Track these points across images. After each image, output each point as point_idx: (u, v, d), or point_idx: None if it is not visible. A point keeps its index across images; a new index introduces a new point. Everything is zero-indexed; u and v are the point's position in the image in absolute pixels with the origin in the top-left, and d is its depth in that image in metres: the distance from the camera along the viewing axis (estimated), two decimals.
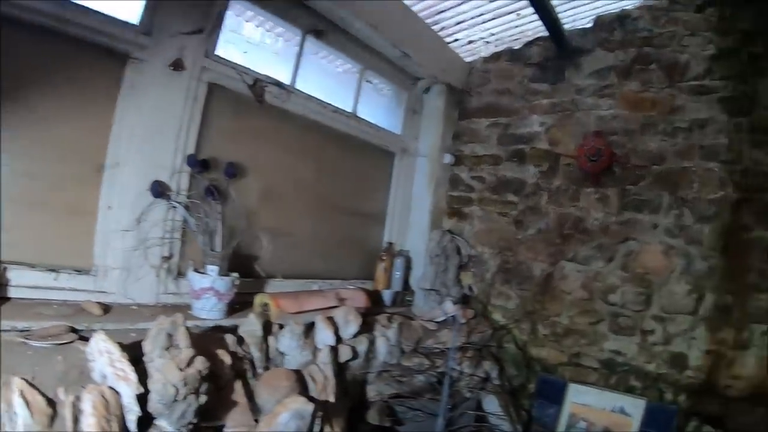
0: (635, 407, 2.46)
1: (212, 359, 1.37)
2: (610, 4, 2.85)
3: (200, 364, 1.25)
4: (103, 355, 1.18)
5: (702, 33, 2.71)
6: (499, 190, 3.04)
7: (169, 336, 1.28)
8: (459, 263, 2.97)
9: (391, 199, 3.01)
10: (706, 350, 2.46)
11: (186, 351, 1.27)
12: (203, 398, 1.24)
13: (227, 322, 1.77)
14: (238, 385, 1.51)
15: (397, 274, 2.88)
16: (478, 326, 2.81)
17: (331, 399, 1.78)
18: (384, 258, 2.83)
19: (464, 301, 2.91)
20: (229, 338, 1.63)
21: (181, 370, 1.20)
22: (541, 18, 2.59)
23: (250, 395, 1.54)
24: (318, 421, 1.56)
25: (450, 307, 2.70)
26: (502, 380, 2.75)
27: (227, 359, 1.50)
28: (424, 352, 2.48)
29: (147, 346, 1.27)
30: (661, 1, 2.80)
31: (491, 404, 2.63)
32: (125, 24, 1.66)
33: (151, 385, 1.18)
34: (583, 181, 2.83)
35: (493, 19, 2.83)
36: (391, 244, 2.95)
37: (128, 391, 1.14)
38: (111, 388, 1.14)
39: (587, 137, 2.81)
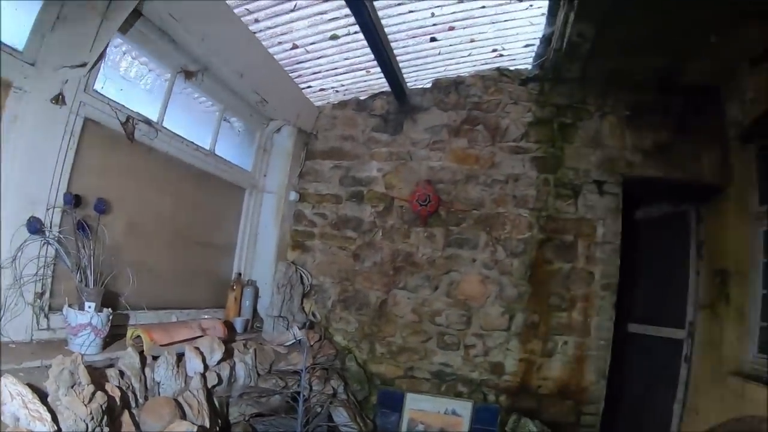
0: (465, 408, 3.85)
1: (104, 393, 1.77)
2: (449, 69, 4.15)
3: (100, 398, 1.60)
4: (15, 397, 1.42)
5: (523, 103, 4.11)
6: (339, 227, 4.25)
7: (71, 374, 1.61)
8: (303, 292, 4.10)
9: (241, 232, 3.99)
10: (519, 358, 3.93)
11: (88, 387, 1.61)
12: (107, 430, 1.59)
13: (103, 356, 2.20)
14: (126, 416, 1.92)
15: (247, 303, 3.85)
16: (323, 348, 3.99)
17: (207, 422, 2.36)
18: (234, 287, 3.74)
19: (309, 326, 3.97)
20: (112, 372, 2.04)
21: (85, 405, 1.52)
22: (386, 76, 3.80)
23: (136, 424, 1.98)
24: None
25: (297, 332, 3.71)
26: (347, 394, 3.93)
27: (117, 392, 1.92)
28: (278, 373, 3.39)
29: (51, 385, 1.58)
30: (492, 73, 4.15)
31: (340, 416, 3.71)
32: (11, 50, 2.01)
33: (62, 423, 1.46)
34: (413, 222, 4.15)
35: (346, 72, 4.02)
36: (240, 274, 3.91)
37: (44, 431, 1.40)
38: (28, 430, 1.41)
39: (419, 184, 4.12)
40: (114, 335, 2.42)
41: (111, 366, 2.16)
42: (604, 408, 3.93)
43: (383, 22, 3.21)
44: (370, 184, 4.24)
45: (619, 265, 3.97)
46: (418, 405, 3.93)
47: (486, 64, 4.15)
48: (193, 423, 2.23)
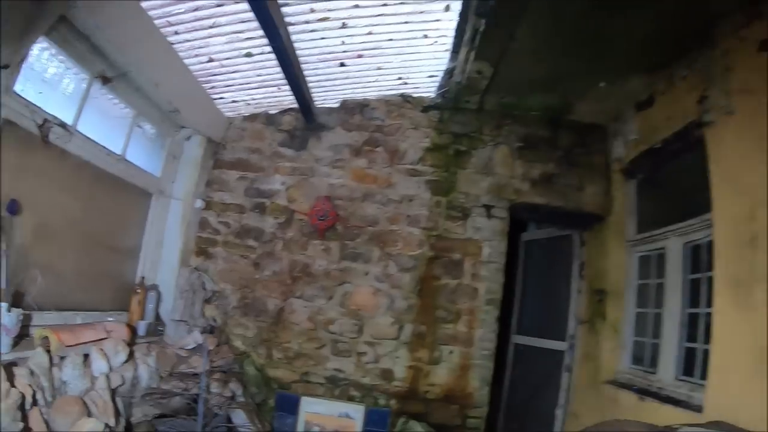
0: (357, 412, 4.52)
1: (18, 390, 2.01)
2: (356, 92, 4.86)
3: (15, 395, 1.81)
4: None
5: (423, 129, 4.86)
6: (241, 236, 4.77)
7: None
8: (205, 297, 4.63)
9: (146, 237, 4.41)
10: (408, 366, 4.68)
11: (3, 384, 1.83)
12: (20, 425, 1.80)
13: (13, 356, 2.38)
14: (35, 414, 2.14)
15: (150, 307, 4.25)
16: (223, 352, 4.48)
17: (111, 421, 2.70)
18: (138, 291, 4.12)
19: (210, 330, 4.50)
20: (22, 370, 2.24)
21: (1, 402, 1.75)
22: (295, 96, 4.41)
23: (45, 422, 2.20)
24: None
25: (198, 336, 4.22)
26: (246, 397, 4.31)
27: (28, 390, 2.14)
28: (180, 376, 3.84)
29: None
30: (396, 99, 4.88)
31: (239, 418, 4.13)
32: None
33: None
34: (312, 235, 4.82)
35: (258, 87, 4.60)
36: (143, 278, 4.30)
37: None
38: None
39: (319, 199, 4.81)
40: (20, 336, 2.65)
41: (15, 365, 2.40)
42: (494, 412, 4.73)
43: (296, 45, 3.80)
44: (273, 197, 4.85)
45: (502, 282, 4.81)
46: (313, 408, 4.57)
47: (391, 90, 4.88)
48: (99, 421, 2.59)
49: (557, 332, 5.27)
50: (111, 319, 3.74)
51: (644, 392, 3.88)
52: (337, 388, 4.72)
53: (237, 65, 4.12)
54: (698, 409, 3.19)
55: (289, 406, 4.53)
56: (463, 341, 4.74)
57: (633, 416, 3.46)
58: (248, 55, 3.95)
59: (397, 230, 4.81)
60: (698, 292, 3.67)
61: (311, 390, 4.67)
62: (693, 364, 3.62)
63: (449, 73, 4.41)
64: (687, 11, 3.23)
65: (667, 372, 3.82)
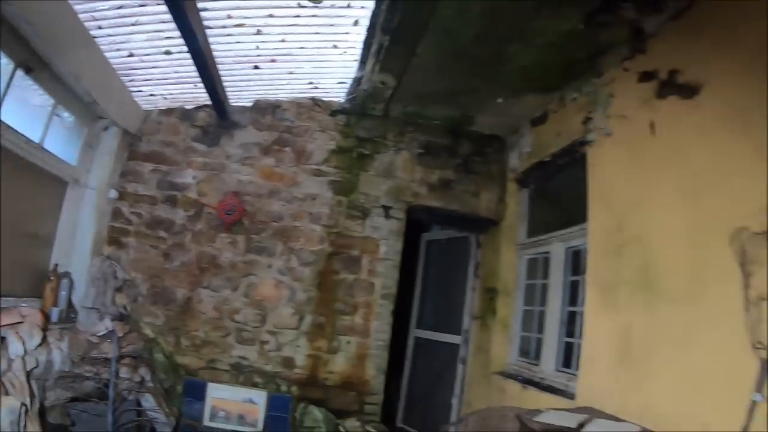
0: (260, 397, 5.07)
1: None
2: (269, 93, 5.51)
3: None
4: None
5: (330, 131, 5.51)
6: (153, 227, 5.15)
7: None
8: (116, 286, 4.98)
9: (60, 225, 4.64)
10: (308, 354, 5.32)
11: None
12: None
13: None
14: None
15: (63, 294, 4.48)
16: (133, 339, 4.84)
17: (28, 401, 2.92)
18: (51, 278, 4.34)
19: (120, 318, 4.82)
20: None
21: None
22: (209, 95, 4.93)
23: None
24: (23, 416, 2.78)
25: (109, 323, 4.49)
26: (154, 382, 4.65)
27: None
28: (91, 361, 4.11)
29: None
30: (307, 102, 5.54)
31: (147, 402, 4.48)
32: None
33: None
34: (219, 228, 5.43)
35: (175, 83, 5.09)
36: (57, 265, 4.49)
37: None
38: None
39: (227, 194, 5.42)
40: None
41: None
42: (395, 401, 5.41)
43: (213, 47, 4.16)
44: (184, 190, 5.31)
45: (397, 278, 5.53)
46: (219, 394, 5.04)
47: (302, 93, 5.50)
48: (16, 399, 2.89)
49: (453, 327, 6.07)
50: (25, 305, 3.95)
51: (528, 382, 4.64)
52: (241, 374, 5.19)
53: (156, 61, 4.51)
54: (572, 396, 3.93)
55: (196, 391, 4.95)
56: (359, 332, 5.43)
57: (517, 404, 4.24)
58: (167, 53, 4.34)
59: (300, 227, 5.44)
60: (577, 293, 4.41)
61: (217, 376, 5.13)
62: (571, 357, 4.36)
63: (357, 81, 4.99)
64: (578, 42, 3.85)
65: (548, 364, 4.59)
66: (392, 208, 5.51)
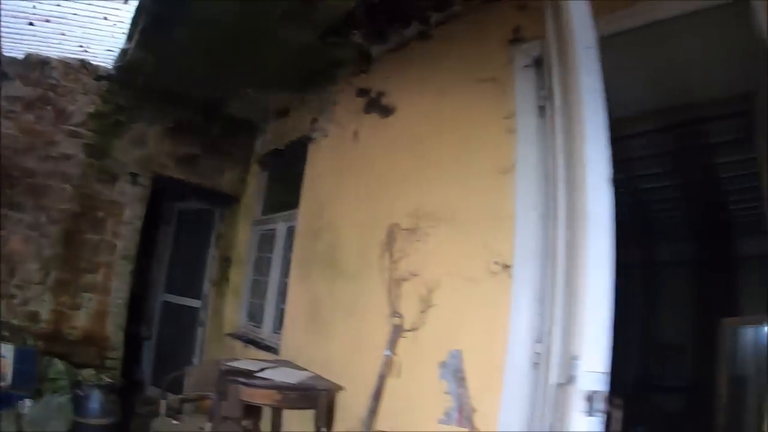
0: (8, 351, 5.77)
1: None
2: (41, 50, 6.49)
3: None
4: None
5: (92, 95, 6.73)
6: None
7: None
8: None
9: None
10: (52, 309, 6.31)
11: None
12: None
13: None
14: None
15: None
16: None
17: None
18: None
19: None
20: None
21: None
22: None
23: None
24: None
25: None
26: None
27: None
28: None
29: None
30: (76, 63, 6.70)
31: None
32: None
33: None
34: None
35: None
36: None
37: None
38: None
39: None
40: None
41: None
42: (136, 357, 6.85)
43: None
44: None
45: (138, 241, 6.83)
46: None
47: (72, 54, 6.46)
48: None
49: (196, 292, 7.66)
50: None
51: (250, 342, 6.29)
52: None
53: None
54: (278, 352, 5.61)
55: None
56: (101, 290, 6.52)
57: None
58: None
59: (52, 185, 6.50)
60: None
61: None
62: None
63: (123, 53, 5.99)
64: (316, 54, 5.14)
65: (267, 326, 6.27)
66: (139, 175, 6.59)
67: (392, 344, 3.98)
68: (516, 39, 3.66)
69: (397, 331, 4.03)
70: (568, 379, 1.97)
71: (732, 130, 4.82)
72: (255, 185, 7.27)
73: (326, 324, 4.91)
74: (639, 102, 4.38)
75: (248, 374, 4.22)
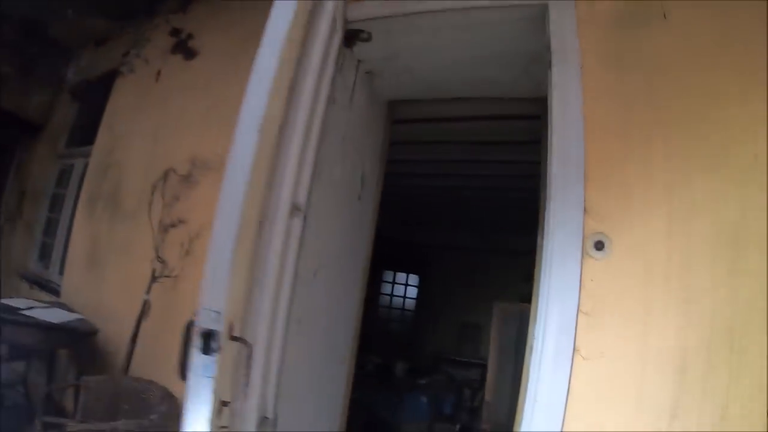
0: None
1: None
2: None
3: None
4: None
5: None
6: None
7: None
8: None
9: None
10: None
11: None
12: None
13: None
14: None
15: None
16: None
17: None
18: None
19: None
20: None
21: None
22: None
23: None
24: None
25: None
26: None
27: None
28: None
29: None
30: None
31: None
32: None
33: None
34: None
35: None
36: None
37: None
38: None
39: None
40: None
41: None
42: None
43: None
44: None
45: None
46: None
47: None
48: None
49: None
50: None
51: (36, 283, 5.90)
52: None
53: None
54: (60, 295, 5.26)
55: None
56: None
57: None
58: None
59: None
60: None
61: None
62: None
63: None
64: None
65: (55, 268, 5.87)
66: None
67: (149, 288, 3.96)
68: None
69: (155, 276, 3.96)
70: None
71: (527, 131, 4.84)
72: (63, 115, 6.76)
73: (102, 265, 4.77)
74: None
75: (13, 311, 4.00)
